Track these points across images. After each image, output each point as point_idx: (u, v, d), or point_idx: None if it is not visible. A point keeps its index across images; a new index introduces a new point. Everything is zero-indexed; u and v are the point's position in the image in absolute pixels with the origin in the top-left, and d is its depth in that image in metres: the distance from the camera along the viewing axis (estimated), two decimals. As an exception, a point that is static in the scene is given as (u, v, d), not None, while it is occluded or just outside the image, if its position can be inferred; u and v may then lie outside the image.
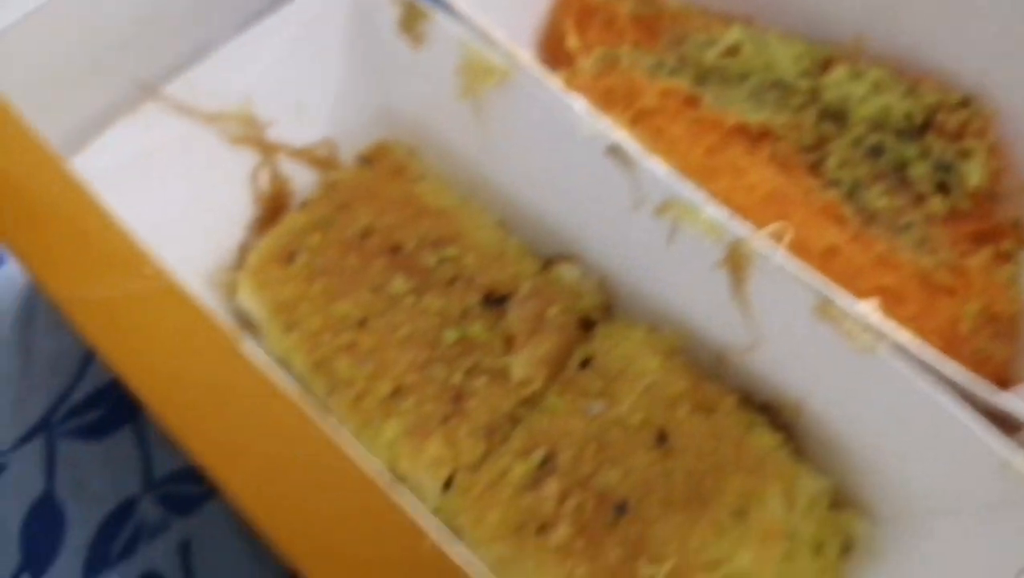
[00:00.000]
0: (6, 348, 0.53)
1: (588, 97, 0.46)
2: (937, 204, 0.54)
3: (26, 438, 0.51)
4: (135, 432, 0.51)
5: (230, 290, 0.49)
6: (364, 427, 0.44)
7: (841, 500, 0.45)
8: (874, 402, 0.42)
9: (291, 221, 0.50)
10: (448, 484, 0.43)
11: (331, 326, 0.46)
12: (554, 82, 0.45)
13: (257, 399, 0.33)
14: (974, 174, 0.54)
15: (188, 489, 0.49)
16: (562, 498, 0.42)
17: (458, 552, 0.31)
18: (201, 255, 0.48)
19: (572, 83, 0.51)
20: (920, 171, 0.55)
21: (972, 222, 0.55)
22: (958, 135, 0.56)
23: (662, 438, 0.44)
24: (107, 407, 0.52)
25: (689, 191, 0.43)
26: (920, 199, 0.55)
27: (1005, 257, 0.53)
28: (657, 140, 0.49)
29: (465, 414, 0.44)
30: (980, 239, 0.55)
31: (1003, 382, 0.44)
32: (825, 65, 0.59)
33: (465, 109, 0.49)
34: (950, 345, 0.49)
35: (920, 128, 0.57)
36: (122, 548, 0.48)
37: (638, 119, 0.50)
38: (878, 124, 0.56)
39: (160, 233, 0.38)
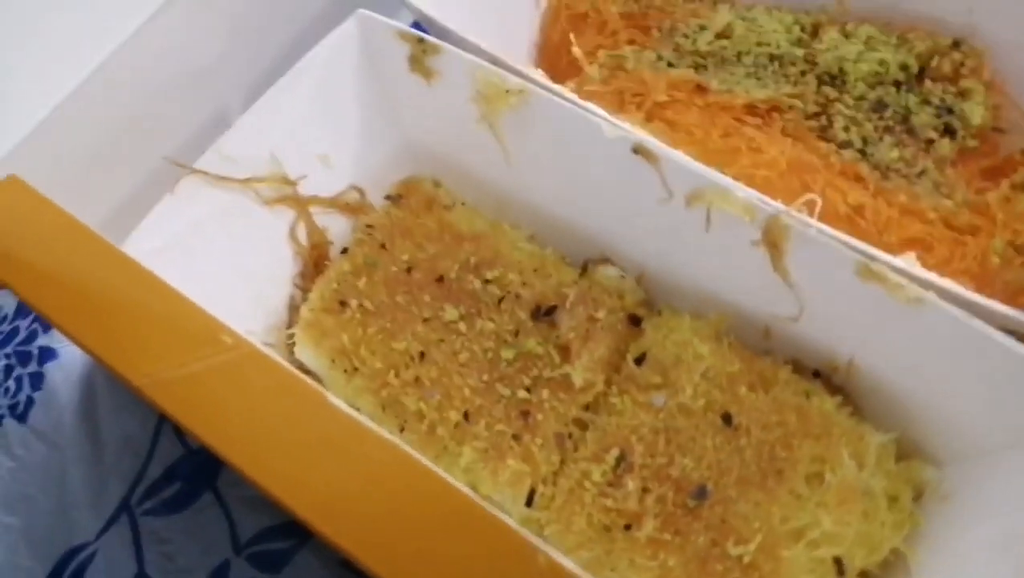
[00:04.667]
0: (75, 438, 0.54)
1: (600, 102, 0.47)
2: (945, 147, 0.55)
3: (109, 524, 0.52)
4: (216, 498, 0.52)
5: (285, 346, 0.51)
6: (440, 456, 0.46)
7: (906, 451, 0.46)
8: (926, 350, 0.43)
9: (336, 270, 0.51)
10: (530, 499, 0.45)
11: (393, 365, 0.47)
12: (567, 93, 0.46)
13: (354, 446, 0.34)
14: (976, 112, 0.56)
15: (276, 545, 0.50)
16: (643, 493, 0.43)
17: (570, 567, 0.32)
18: (253, 317, 0.50)
19: (583, 90, 0.52)
20: (924, 118, 0.56)
21: (981, 159, 0.56)
22: (954, 77, 0.58)
23: (727, 419, 0.45)
24: (183, 479, 0.53)
25: (717, 176, 0.44)
26: (928, 145, 0.56)
27: (1020, 187, 0.54)
28: (674, 132, 0.50)
29: (535, 428, 0.45)
30: (992, 174, 0.56)
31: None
32: (815, 31, 0.60)
33: (484, 134, 0.50)
34: (982, 281, 0.50)
35: (917, 77, 0.58)
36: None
37: (652, 115, 0.51)
38: (876, 80, 0.57)
39: (213, 302, 0.39)
